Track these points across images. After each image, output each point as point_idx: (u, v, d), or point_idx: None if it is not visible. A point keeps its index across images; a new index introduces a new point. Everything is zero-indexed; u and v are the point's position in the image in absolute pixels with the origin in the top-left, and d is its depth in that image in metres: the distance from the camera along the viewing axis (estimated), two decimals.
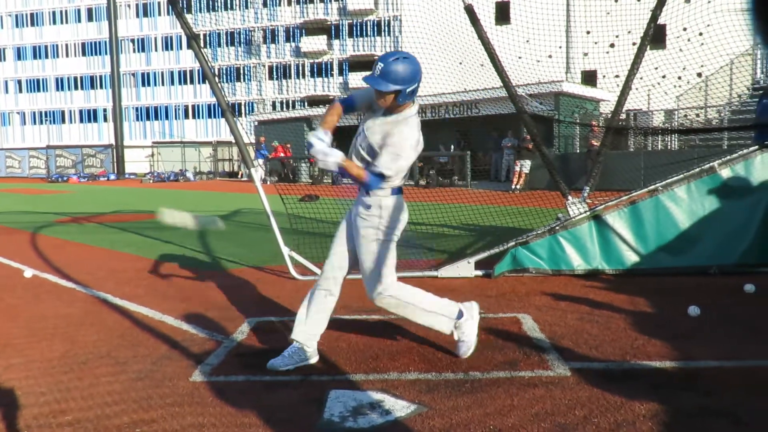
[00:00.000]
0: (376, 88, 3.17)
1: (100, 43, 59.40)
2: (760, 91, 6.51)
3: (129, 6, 59.65)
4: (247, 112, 52.95)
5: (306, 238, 7.25)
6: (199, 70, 52.51)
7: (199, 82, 57.74)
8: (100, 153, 40.17)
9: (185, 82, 59.51)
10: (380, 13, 52.43)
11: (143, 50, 60.28)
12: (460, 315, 3.52)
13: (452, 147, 23.99)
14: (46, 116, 62.78)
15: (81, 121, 62.46)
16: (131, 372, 3.37)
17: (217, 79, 6.23)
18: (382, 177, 3.21)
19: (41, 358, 3.64)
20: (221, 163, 37.95)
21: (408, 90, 3.17)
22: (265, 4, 55.72)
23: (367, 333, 4.06)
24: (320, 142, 3.13)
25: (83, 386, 3.18)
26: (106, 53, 53.02)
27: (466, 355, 3.48)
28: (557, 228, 5.78)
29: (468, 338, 3.50)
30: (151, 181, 31.36)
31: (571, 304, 4.69)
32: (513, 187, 18.31)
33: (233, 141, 6.46)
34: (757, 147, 5.61)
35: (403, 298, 3.43)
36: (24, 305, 5.03)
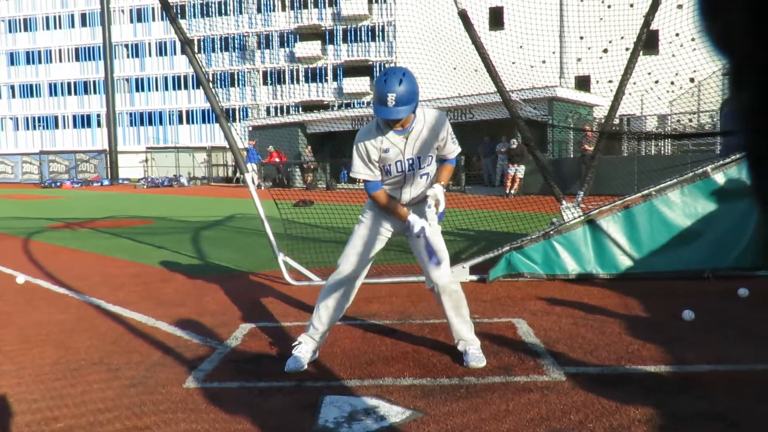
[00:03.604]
0: (403, 117, 3.23)
1: (93, 48, 59.30)
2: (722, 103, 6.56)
3: (123, 11, 59.57)
4: (242, 117, 52.92)
5: (300, 244, 7.24)
6: (193, 76, 52.43)
7: (193, 88, 57.67)
8: (93, 158, 40.04)
9: (179, 88, 59.43)
10: (374, 18, 52.51)
11: (137, 56, 60.18)
12: None
13: None
14: (39, 122, 62.53)
15: (74, 126, 62.28)
16: (124, 378, 3.35)
17: (211, 84, 6.22)
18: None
19: (33, 365, 3.62)
20: (215, 169, 37.90)
21: (419, 100, 3.32)
22: (259, 10, 55.73)
23: (362, 339, 4.04)
24: (417, 220, 3.37)
25: (76, 393, 3.15)
26: (99, 58, 52.97)
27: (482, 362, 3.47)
28: (552, 233, 5.78)
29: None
30: (145, 187, 31.29)
31: (565, 309, 4.69)
32: (507, 191, 18.34)
33: (227, 146, 6.45)
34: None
35: (463, 294, 3.58)
36: (16, 312, 5.00)
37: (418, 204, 3.53)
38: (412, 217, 3.39)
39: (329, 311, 3.52)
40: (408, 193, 3.49)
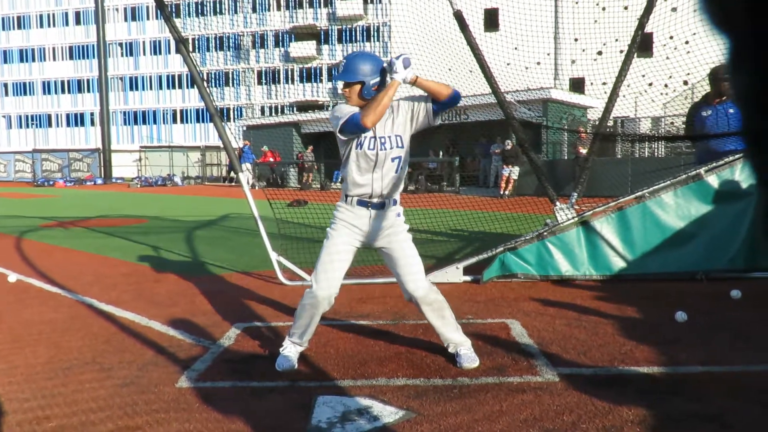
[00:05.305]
0: (344, 80, 3.38)
1: (87, 46, 59.05)
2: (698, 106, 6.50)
3: (117, 10, 59.31)
4: (236, 116, 52.80)
5: (294, 244, 7.23)
6: (187, 75, 52.32)
7: (187, 87, 57.48)
8: (86, 157, 39.87)
9: (173, 87, 59.24)
10: (369, 18, 52.50)
11: (131, 54, 59.94)
12: None
13: (441, 153, 24.06)
14: (32, 120, 62.22)
15: (68, 125, 61.99)
16: (117, 378, 3.34)
17: (205, 83, 6.21)
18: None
19: (25, 364, 3.60)
20: (209, 168, 37.81)
21: (371, 82, 3.35)
22: (254, 9, 55.63)
23: (355, 339, 4.04)
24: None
25: (67, 392, 3.14)
26: (93, 57, 52.74)
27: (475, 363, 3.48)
28: (545, 234, 5.79)
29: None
30: (139, 186, 31.19)
31: (559, 310, 4.70)
32: (501, 193, 18.38)
33: (222, 146, 6.43)
34: (742, 154, 5.66)
35: (443, 299, 3.55)
36: (8, 310, 4.97)
37: (389, 196, 3.45)
38: (390, 64, 3.31)
39: (308, 328, 3.49)
40: (380, 180, 3.40)
